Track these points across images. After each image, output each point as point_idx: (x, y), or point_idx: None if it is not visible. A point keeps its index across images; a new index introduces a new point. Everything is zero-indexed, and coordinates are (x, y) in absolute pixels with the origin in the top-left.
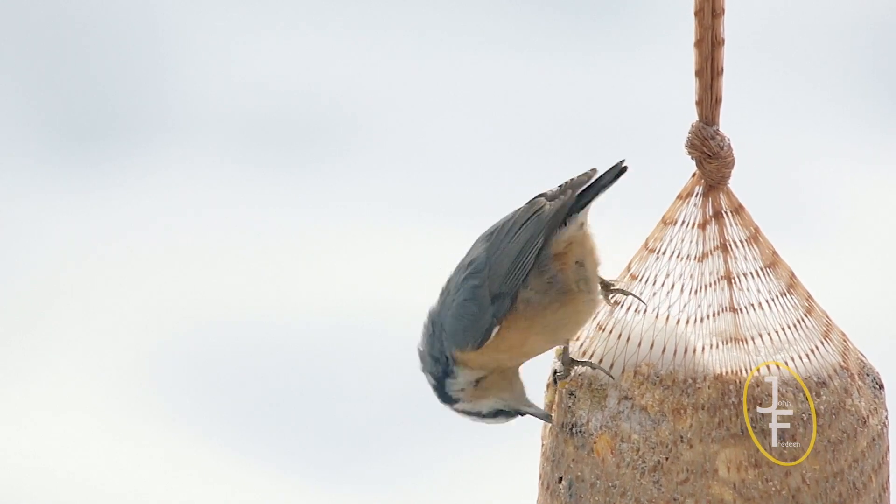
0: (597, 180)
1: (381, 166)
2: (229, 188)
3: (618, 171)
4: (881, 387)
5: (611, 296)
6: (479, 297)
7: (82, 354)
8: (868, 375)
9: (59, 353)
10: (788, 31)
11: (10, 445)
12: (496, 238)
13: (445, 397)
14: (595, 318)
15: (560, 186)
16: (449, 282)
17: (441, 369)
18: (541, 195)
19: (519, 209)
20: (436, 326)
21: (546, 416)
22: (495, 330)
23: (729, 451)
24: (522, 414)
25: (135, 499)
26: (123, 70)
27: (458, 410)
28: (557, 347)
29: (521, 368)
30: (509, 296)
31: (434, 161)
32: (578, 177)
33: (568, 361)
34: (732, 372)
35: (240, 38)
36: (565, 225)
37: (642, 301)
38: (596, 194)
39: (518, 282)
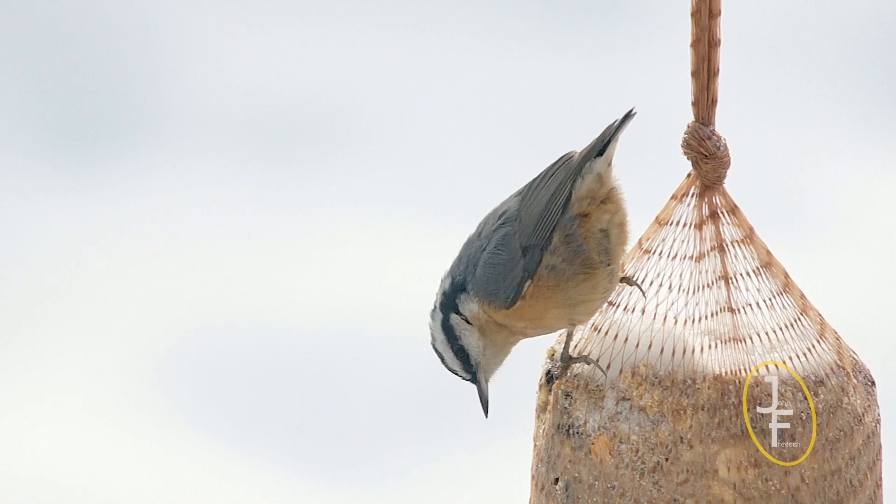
0: (609, 128)
1: (379, 166)
2: (227, 188)
3: (625, 115)
4: (873, 383)
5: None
6: (510, 246)
7: (82, 355)
8: (860, 372)
9: (61, 355)
10: (783, 32)
11: (11, 447)
12: (529, 190)
13: (452, 306)
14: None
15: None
16: (483, 225)
17: (459, 284)
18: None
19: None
20: (468, 265)
21: (485, 406)
22: (527, 285)
23: (729, 451)
24: (471, 378)
25: (136, 499)
26: (120, 70)
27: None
28: (550, 347)
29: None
30: (539, 248)
31: (432, 161)
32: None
33: (566, 358)
34: (732, 372)
35: (236, 39)
36: (583, 176)
37: (643, 291)
38: (609, 140)
39: (547, 233)
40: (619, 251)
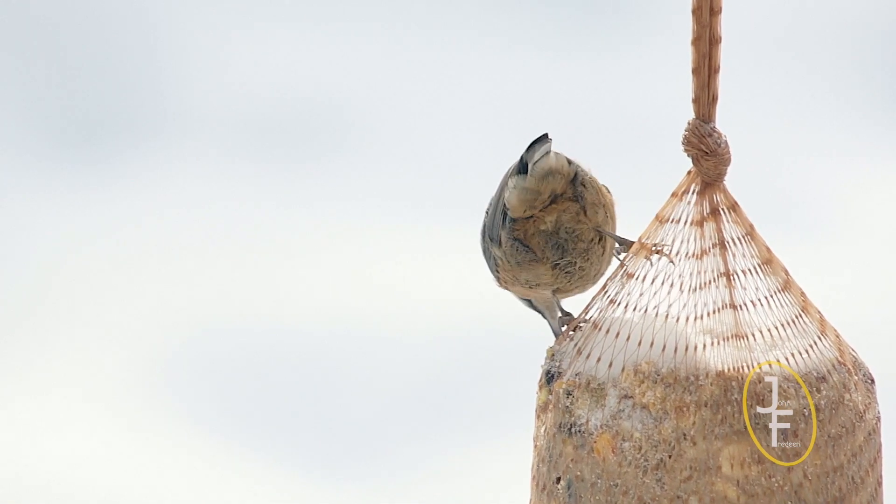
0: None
1: (378, 165)
2: (228, 187)
3: (538, 139)
4: (872, 381)
5: (622, 254)
6: (485, 236)
7: (85, 354)
8: (860, 370)
9: (64, 354)
10: (784, 30)
11: (14, 445)
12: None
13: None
14: (591, 317)
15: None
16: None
17: None
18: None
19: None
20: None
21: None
22: (496, 269)
23: (732, 447)
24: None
25: (141, 497)
26: (120, 70)
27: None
28: (549, 347)
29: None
30: (496, 242)
31: (431, 160)
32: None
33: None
34: (734, 369)
35: (234, 38)
36: (510, 190)
37: (671, 260)
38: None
39: (496, 233)
40: (578, 243)
